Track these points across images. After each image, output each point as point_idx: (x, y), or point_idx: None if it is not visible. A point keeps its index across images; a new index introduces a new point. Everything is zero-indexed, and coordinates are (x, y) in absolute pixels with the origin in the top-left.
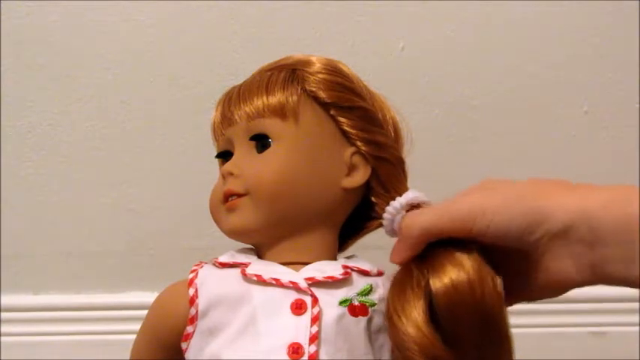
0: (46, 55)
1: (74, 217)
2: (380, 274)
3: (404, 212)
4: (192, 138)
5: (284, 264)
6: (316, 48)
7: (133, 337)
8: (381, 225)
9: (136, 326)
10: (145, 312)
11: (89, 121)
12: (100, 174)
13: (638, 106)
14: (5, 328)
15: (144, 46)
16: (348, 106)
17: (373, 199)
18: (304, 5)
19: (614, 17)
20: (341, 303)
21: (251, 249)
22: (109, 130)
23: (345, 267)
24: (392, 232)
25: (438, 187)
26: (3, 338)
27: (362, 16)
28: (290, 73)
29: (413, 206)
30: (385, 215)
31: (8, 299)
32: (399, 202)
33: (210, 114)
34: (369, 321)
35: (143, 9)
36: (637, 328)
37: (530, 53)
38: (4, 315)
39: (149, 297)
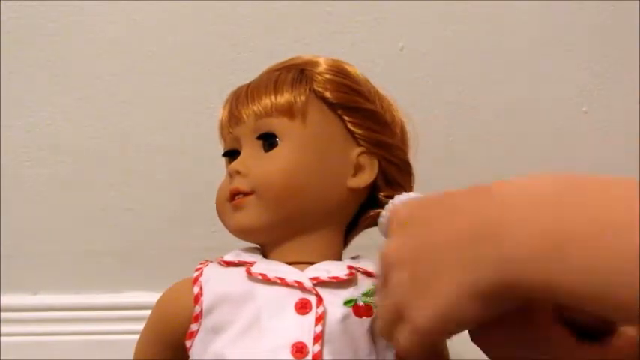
0: (45, 55)
1: (74, 217)
2: None
3: None
4: (192, 138)
5: (289, 263)
6: (316, 48)
7: (133, 337)
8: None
9: (136, 326)
10: (144, 312)
11: (89, 121)
12: (99, 174)
13: (638, 106)
14: (5, 328)
15: (143, 46)
16: (355, 107)
17: (381, 194)
18: (304, 5)
19: (614, 17)
20: (346, 303)
21: (256, 248)
22: (109, 130)
23: (350, 267)
24: (387, 233)
25: (437, 187)
26: (3, 338)
27: (362, 16)
28: (298, 73)
29: None
30: (383, 213)
31: (8, 299)
32: (399, 199)
33: (211, 114)
34: (374, 322)
35: (143, 9)
36: None
37: (530, 53)
38: (4, 315)
39: (149, 297)
